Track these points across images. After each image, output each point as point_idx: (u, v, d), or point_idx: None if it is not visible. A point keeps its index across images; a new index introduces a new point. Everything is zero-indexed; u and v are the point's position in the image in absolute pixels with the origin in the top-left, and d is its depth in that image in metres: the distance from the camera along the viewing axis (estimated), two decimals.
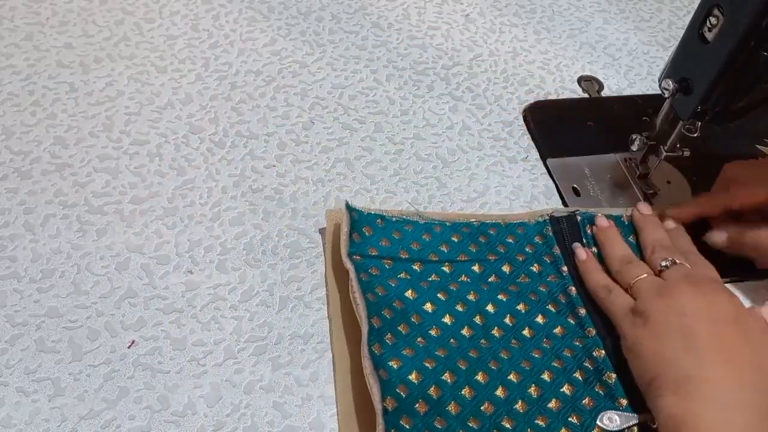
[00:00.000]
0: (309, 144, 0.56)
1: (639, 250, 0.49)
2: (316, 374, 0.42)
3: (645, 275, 0.45)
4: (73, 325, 0.43)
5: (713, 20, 0.43)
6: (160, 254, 0.47)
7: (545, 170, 0.57)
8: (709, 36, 0.44)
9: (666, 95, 0.48)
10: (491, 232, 0.49)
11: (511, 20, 0.71)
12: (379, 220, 0.48)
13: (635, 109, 0.61)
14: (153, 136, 0.55)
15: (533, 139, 0.59)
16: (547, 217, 0.50)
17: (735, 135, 0.59)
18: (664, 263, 0.45)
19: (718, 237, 0.49)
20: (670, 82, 0.48)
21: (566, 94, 0.63)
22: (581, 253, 0.48)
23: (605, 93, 0.64)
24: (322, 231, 0.50)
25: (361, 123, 0.58)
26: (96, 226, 0.48)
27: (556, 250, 0.49)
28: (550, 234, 0.50)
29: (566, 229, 0.50)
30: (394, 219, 0.48)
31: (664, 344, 0.40)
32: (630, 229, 0.51)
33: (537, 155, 0.58)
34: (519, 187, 0.55)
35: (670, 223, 0.50)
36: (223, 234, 0.49)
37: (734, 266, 0.51)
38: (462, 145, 0.58)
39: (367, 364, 0.40)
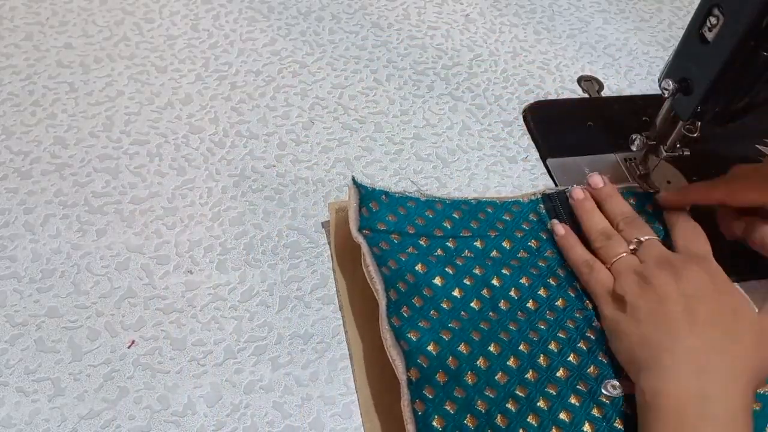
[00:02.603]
0: (309, 144, 0.56)
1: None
2: (316, 374, 0.42)
3: (624, 254, 0.46)
4: (73, 325, 0.43)
5: (713, 20, 0.43)
6: (160, 254, 0.47)
7: (545, 170, 0.57)
8: (709, 36, 0.44)
9: (666, 95, 0.48)
10: (488, 210, 0.51)
11: (511, 20, 0.71)
12: (383, 196, 0.49)
13: (635, 109, 0.61)
14: (153, 136, 0.55)
15: (533, 139, 0.59)
16: (539, 195, 0.52)
17: (735, 135, 0.59)
18: (632, 247, 0.46)
19: (737, 226, 0.49)
20: (670, 82, 0.48)
21: (566, 94, 0.63)
22: (559, 228, 0.49)
23: (605, 93, 0.64)
24: (324, 224, 0.50)
25: (361, 123, 0.58)
26: (96, 226, 0.48)
27: (551, 226, 0.51)
28: (543, 211, 0.52)
29: (558, 206, 0.52)
30: (397, 195, 0.50)
31: (641, 328, 0.41)
32: (646, 197, 0.52)
33: (537, 155, 0.58)
34: (519, 187, 0.55)
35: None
36: (223, 234, 0.49)
37: (734, 267, 0.51)
38: (462, 145, 0.58)
39: (387, 336, 0.41)
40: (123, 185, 0.51)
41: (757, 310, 0.42)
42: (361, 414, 0.41)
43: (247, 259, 0.48)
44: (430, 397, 0.39)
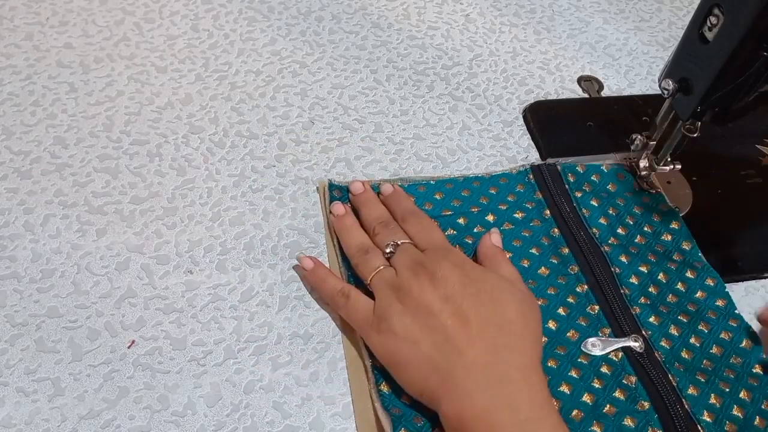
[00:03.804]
0: (309, 144, 0.56)
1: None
2: (316, 374, 0.42)
3: (381, 268, 0.43)
4: (73, 325, 0.43)
5: (713, 20, 0.43)
6: (160, 254, 0.47)
7: None
8: (709, 36, 0.44)
9: (666, 95, 0.48)
10: (474, 185, 0.53)
11: (511, 20, 0.71)
12: None
13: (635, 109, 0.61)
14: (153, 136, 0.55)
15: (533, 139, 0.59)
16: (528, 166, 0.54)
17: (735, 135, 0.59)
18: (388, 250, 0.44)
19: None
20: (670, 82, 0.48)
21: (566, 94, 0.63)
22: (306, 262, 0.46)
23: (605, 93, 0.64)
24: (318, 189, 0.52)
25: (361, 123, 0.58)
26: (96, 226, 0.48)
27: (538, 195, 0.52)
28: (532, 181, 0.53)
29: (547, 175, 0.53)
30: (376, 184, 0.51)
31: (418, 350, 0.39)
32: (610, 176, 0.54)
33: (537, 155, 0.58)
34: None
35: (387, 188, 0.50)
36: (223, 234, 0.49)
37: (734, 267, 0.51)
38: (462, 145, 0.58)
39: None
40: (123, 185, 0.51)
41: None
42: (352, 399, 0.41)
43: (247, 259, 0.48)
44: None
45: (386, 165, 0.55)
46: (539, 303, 0.45)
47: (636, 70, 0.67)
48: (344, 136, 0.57)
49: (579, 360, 0.43)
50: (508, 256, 0.47)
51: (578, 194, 0.53)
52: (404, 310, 0.40)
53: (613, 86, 0.65)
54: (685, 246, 0.50)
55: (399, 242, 0.45)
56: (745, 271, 0.51)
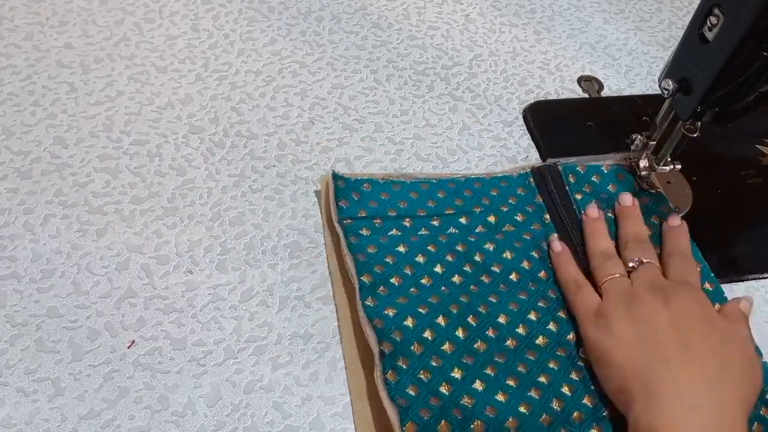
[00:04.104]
0: (309, 144, 0.56)
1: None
2: (316, 374, 0.42)
3: (617, 275, 0.45)
4: (73, 325, 0.43)
5: (713, 20, 0.43)
6: (160, 254, 0.47)
7: None
8: (709, 36, 0.44)
9: (666, 95, 0.48)
10: (476, 186, 0.52)
11: (511, 20, 0.71)
12: (366, 185, 0.51)
13: (635, 109, 0.61)
14: (153, 136, 0.55)
15: (533, 139, 0.59)
16: (529, 169, 0.54)
17: (735, 135, 0.59)
18: (631, 264, 0.45)
19: None
20: (670, 82, 0.48)
21: (566, 94, 0.63)
22: (556, 245, 0.49)
23: (605, 93, 0.64)
24: (317, 193, 0.52)
25: (361, 123, 0.58)
26: (96, 226, 0.48)
27: (539, 199, 0.52)
28: (533, 184, 0.53)
29: (549, 178, 0.53)
30: (381, 181, 0.51)
31: (627, 352, 0.40)
32: (610, 177, 0.54)
33: (537, 155, 0.58)
34: None
35: (675, 220, 0.50)
36: (223, 234, 0.49)
37: (734, 267, 0.51)
38: (462, 145, 0.58)
39: (362, 315, 0.43)
40: (123, 185, 0.51)
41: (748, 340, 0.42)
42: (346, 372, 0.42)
43: (247, 259, 0.48)
44: (404, 367, 0.40)
45: (386, 165, 0.55)
46: (540, 304, 0.46)
47: (636, 70, 0.67)
48: (344, 136, 0.57)
49: (579, 363, 0.43)
50: (509, 257, 0.48)
51: (578, 196, 0.53)
52: (628, 317, 0.41)
53: (613, 86, 0.65)
54: None
55: (645, 260, 0.45)
56: (745, 271, 0.51)
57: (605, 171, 0.55)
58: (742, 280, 0.50)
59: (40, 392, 0.40)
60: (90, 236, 0.47)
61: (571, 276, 0.46)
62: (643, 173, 0.54)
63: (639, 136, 0.53)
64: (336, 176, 0.50)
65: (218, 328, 0.44)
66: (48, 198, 0.49)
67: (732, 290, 0.49)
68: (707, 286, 0.48)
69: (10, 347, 0.42)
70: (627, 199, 0.51)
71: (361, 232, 0.47)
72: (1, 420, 0.39)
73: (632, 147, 0.55)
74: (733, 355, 0.40)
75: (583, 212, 0.51)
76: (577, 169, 0.55)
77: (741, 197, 0.56)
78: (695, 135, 0.50)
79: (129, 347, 0.42)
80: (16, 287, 0.44)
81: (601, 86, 0.65)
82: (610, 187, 0.53)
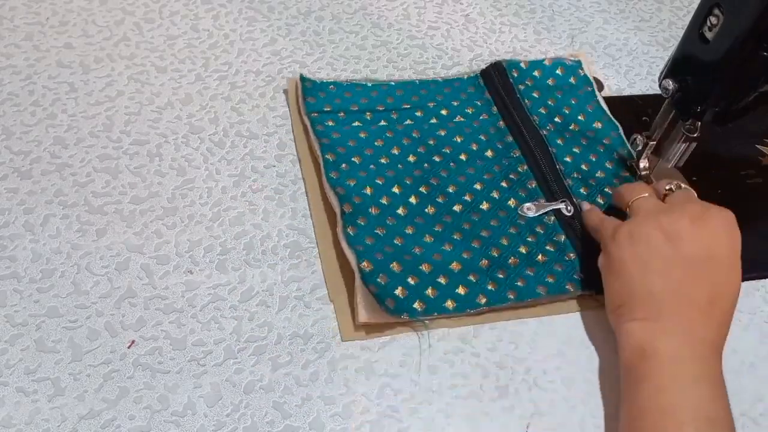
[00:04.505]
0: None
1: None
2: (316, 374, 0.42)
3: (646, 194, 0.45)
4: (73, 325, 0.43)
5: (713, 20, 0.43)
6: (160, 254, 0.47)
7: None
8: (709, 36, 0.44)
9: (666, 95, 0.48)
10: (431, 87, 0.60)
11: (511, 20, 0.71)
12: (331, 86, 0.58)
13: (635, 109, 0.61)
14: (153, 136, 0.55)
15: None
16: (478, 72, 0.61)
17: (735, 135, 0.59)
18: (668, 186, 0.46)
19: None
20: (670, 82, 0.48)
21: None
22: (585, 204, 0.51)
23: (605, 93, 0.64)
24: (285, 92, 0.59)
25: None
26: (96, 226, 0.48)
27: (487, 95, 0.60)
28: (481, 84, 0.61)
29: (495, 73, 0.60)
30: (345, 83, 0.58)
31: (644, 267, 0.41)
32: (551, 70, 0.61)
33: None
34: None
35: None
36: (223, 234, 0.49)
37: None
38: None
39: (326, 186, 0.49)
40: (123, 185, 0.51)
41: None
42: (315, 236, 0.49)
43: (247, 259, 0.48)
44: (362, 224, 0.47)
45: None
46: (485, 177, 0.53)
47: (636, 70, 0.67)
48: None
49: (518, 221, 0.50)
50: (459, 140, 0.55)
51: (521, 87, 0.59)
52: (655, 235, 0.41)
53: (613, 86, 0.65)
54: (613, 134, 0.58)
55: (683, 186, 0.46)
56: (745, 271, 0.51)
57: (547, 65, 0.61)
58: (742, 280, 0.50)
59: (40, 392, 0.40)
60: (90, 236, 0.47)
61: (598, 216, 0.48)
62: (643, 173, 0.54)
63: (639, 136, 0.53)
64: (303, 78, 0.57)
65: (218, 328, 0.44)
66: (48, 198, 0.49)
67: None
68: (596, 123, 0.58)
69: (10, 347, 0.42)
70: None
71: (326, 123, 0.54)
72: (1, 420, 0.39)
73: (632, 147, 0.55)
74: (728, 302, 0.42)
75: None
76: (520, 65, 0.61)
77: (741, 197, 0.56)
78: (695, 135, 0.50)
79: (129, 347, 0.42)
80: (16, 287, 0.44)
81: (601, 86, 0.65)
82: (549, 81, 0.60)
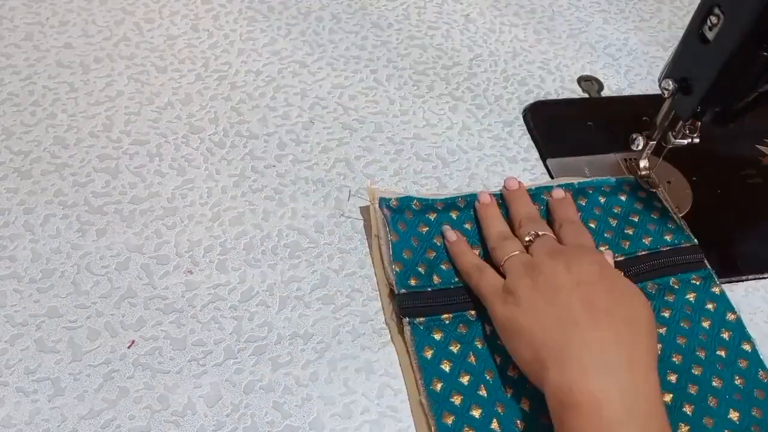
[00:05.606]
0: (309, 144, 0.56)
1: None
2: (316, 374, 0.42)
3: (516, 252, 0.45)
4: (73, 325, 0.43)
5: (713, 20, 0.43)
6: (160, 254, 0.47)
7: (545, 170, 0.57)
8: (709, 36, 0.44)
9: (666, 95, 0.48)
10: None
11: (511, 20, 0.71)
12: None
13: (635, 109, 0.61)
14: (153, 136, 0.55)
15: (533, 139, 0.59)
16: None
17: (735, 135, 0.59)
18: (528, 238, 0.46)
19: None
20: (670, 82, 0.48)
21: (566, 94, 0.63)
22: (450, 234, 0.49)
23: (605, 93, 0.64)
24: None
25: (361, 123, 0.58)
26: (96, 226, 0.48)
27: None
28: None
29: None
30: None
31: (537, 320, 0.40)
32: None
33: (537, 155, 0.58)
34: None
35: (559, 193, 0.51)
36: (223, 234, 0.49)
37: (734, 267, 0.51)
38: (462, 145, 0.58)
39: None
40: (123, 185, 0.51)
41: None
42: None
43: (247, 259, 0.48)
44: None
45: (386, 165, 0.55)
46: None
47: (636, 70, 0.67)
48: (344, 136, 0.57)
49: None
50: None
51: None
52: (533, 286, 0.41)
53: (613, 86, 0.65)
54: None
55: (540, 233, 0.46)
56: (745, 271, 0.51)
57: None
58: (742, 280, 0.50)
59: (40, 392, 0.40)
60: (90, 236, 0.47)
61: (471, 262, 0.46)
62: (643, 173, 0.54)
63: (639, 136, 0.53)
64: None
65: (218, 328, 0.44)
66: (48, 198, 0.49)
67: (732, 290, 0.49)
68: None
69: (10, 347, 0.42)
70: (513, 183, 0.52)
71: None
72: (1, 420, 0.39)
73: (632, 147, 0.55)
74: (637, 310, 0.40)
75: (477, 200, 0.52)
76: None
77: (741, 197, 0.56)
78: (695, 135, 0.50)
79: (129, 347, 0.42)
80: (16, 287, 0.44)
81: (601, 86, 0.65)
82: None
